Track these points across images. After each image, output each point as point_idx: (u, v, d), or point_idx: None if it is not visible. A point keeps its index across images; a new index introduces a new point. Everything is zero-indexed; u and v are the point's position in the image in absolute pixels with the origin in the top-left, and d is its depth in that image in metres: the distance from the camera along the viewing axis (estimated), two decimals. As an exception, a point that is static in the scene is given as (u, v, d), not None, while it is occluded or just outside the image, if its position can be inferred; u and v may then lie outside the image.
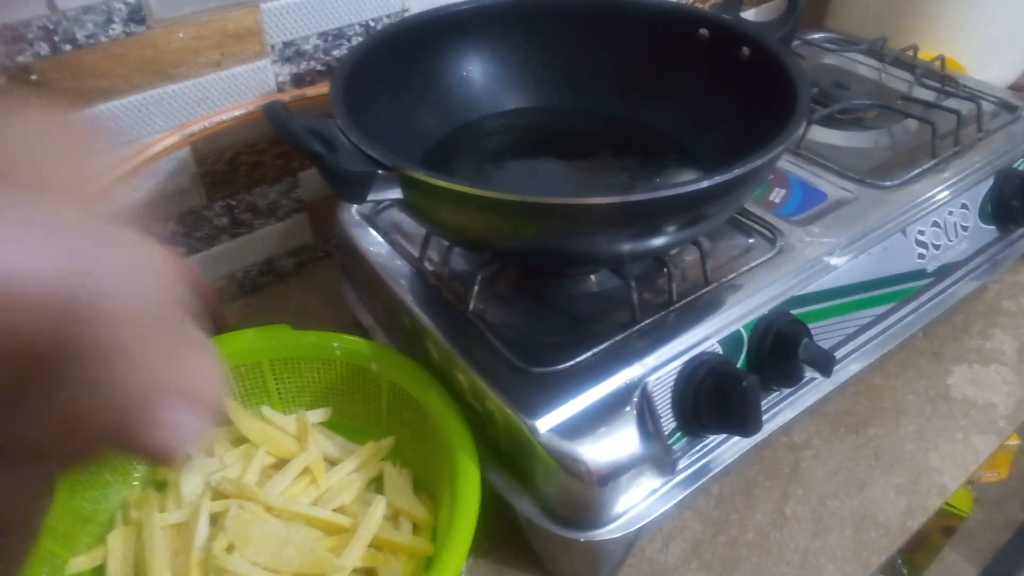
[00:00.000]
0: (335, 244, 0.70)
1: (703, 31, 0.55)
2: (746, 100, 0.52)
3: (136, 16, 0.50)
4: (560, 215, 0.38)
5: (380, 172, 0.39)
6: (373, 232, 0.56)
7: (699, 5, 0.66)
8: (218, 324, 0.61)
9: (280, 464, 0.48)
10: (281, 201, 0.64)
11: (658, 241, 0.42)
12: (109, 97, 0.51)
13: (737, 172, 0.39)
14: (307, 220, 0.67)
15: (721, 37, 0.54)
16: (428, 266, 0.52)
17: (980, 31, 0.79)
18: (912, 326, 0.57)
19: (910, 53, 0.74)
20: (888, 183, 0.58)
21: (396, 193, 0.40)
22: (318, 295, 0.67)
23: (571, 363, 0.44)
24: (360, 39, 0.60)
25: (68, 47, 0.48)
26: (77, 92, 0.50)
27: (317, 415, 0.52)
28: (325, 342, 0.51)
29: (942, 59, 0.72)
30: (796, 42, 0.79)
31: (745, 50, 0.53)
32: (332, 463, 0.48)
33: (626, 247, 0.42)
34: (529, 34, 0.59)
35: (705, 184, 0.38)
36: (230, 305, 0.66)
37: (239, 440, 0.50)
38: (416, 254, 0.53)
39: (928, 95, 0.70)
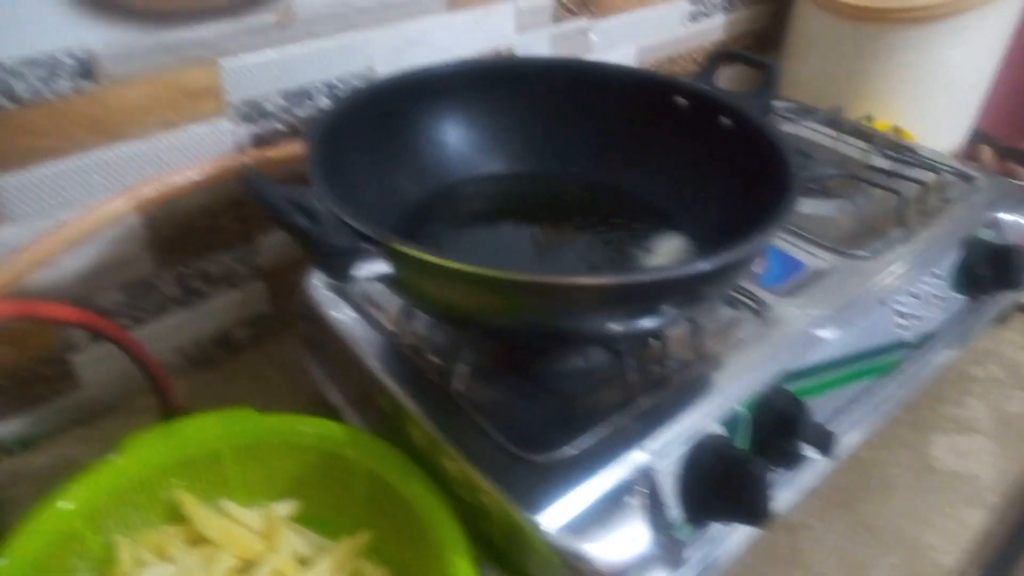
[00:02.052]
0: (296, 313, 0.65)
1: (681, 99, 0.55)
2: (731, 170, 0.51)
3: (85, 71, 0.45)
4: (557, 294, 0.36)
5: (366, 246, 0.36)
6: (342, 302, 0.52)
7: (676, 74, 0.66)
8: (167, 403, 0.55)
9: (246, 567, 0.42)
10: (237, 268, 0.60)
11: (657, 320, 0.40)
12: (50, 158, 0.46)
13: (742, 250, 0.37)
14: (265, 288, 0.63)
15: (699, 106, 0.54)
16: (407, 340, 0.48)
17: (927, 101, 0.83)
18: (898, 398, 0.57)
19: (865, 123, 0.75)
20: (863, 253, 0.58)
21: (382, 268, 0.37)
22: (277, 370, 0.62)
23: (571, 449, 0.41)
24: (324, 98, 0.57)
25: (6, 103, 0.43)
26: (12, 151, 0.45)
27: (285, 508, 0.47)
28: (293, 426, 0.46)
29: (897, 130, 0.74)
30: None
31: (725, 119, 0.52)
32: (304, 563, 0.43)
33: (624, 326, 0.40)
34: (504, 98, 0.57)
35: (709, 265, 0.36)
36: (178, 382, 0.60)
37: (198, 540, 0.44)
38: (391, 327, 0.49)
39: (887, 164, 0.72)
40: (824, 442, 0.45)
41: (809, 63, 0.90)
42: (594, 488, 0.39)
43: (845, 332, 0.52)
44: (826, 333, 0.51)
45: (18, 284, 0.47)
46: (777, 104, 0.83)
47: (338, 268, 0.35)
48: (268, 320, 0.64)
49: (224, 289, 0.60)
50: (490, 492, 0.39)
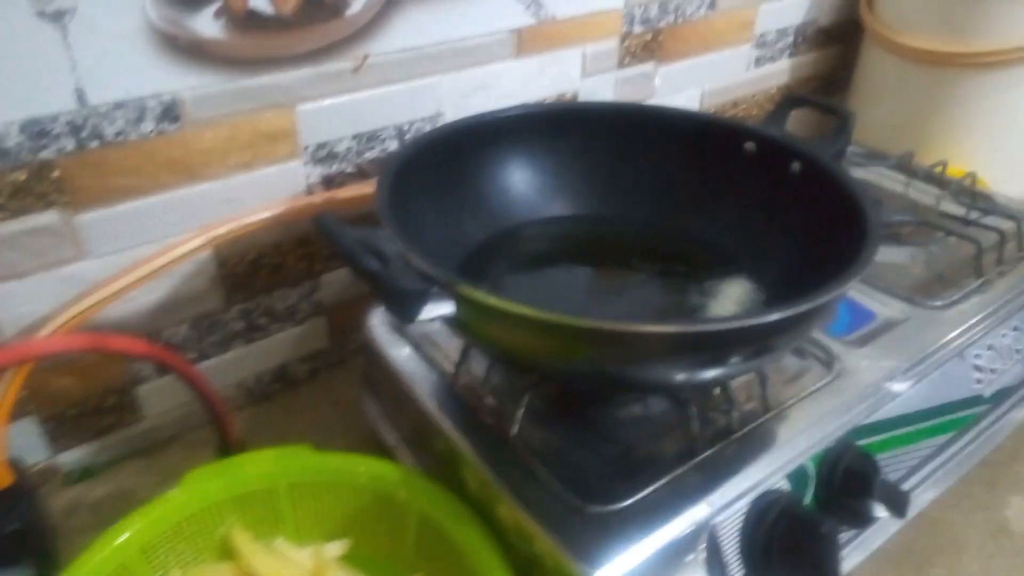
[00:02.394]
0: (352, 350, 0.66)
1: (750, 144, 0.54)
2: (801, 217, 0.50)
3: (170, 115, 0.48)
4: (626, 342, 0.35)
5: (433, 289, 0.36)
6: (402, 341, 0.52)
7: (741, 118, 0.65)
8: (225, 437, 0.56)
9: (296, 607, 0.42)
10: (300, 304, 0.61)
11: (723, 371, 0.39)
12: (133, 196, 0.48)
13: (816, 301, 0.36)
14: (325, 324, 0.64)
15: (769, 151, 0.53)
16: (464, 382, 0.48)
17: (1003, 147, 0.80)
18: (972, 455, 0.54)
19: (939, 169, 0.73)
20: (938, 303, 0.56)
21: (448, 309, 0.37)
22: (332, 406, 0.63)
23: (630, 501, 0.40)
24: (394, 141, 0.59)
25: (95, 143, 0.46)
26: (99, 190, 0.47)
27: (336, 548, 0.46)
28: (348, 466, 0.46)
29: (973, 176, 0.72)
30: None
31: (796, 165, 0.51)
32: (353, 606, 0.43)
33: (689, 375, 0.39)
34: (568, 142, 0.58)
35: (781, 315, 0.35)
36: (237, 415, 0.61)
37: (248, 576, 0.45)
38: (450, 368, 0.49)
39: (962, 212, 0.69)
40: (898, 503, 0.43)
41: (878, 107, 0.88)
42: (653, 543, 0.38)
43: (919, 386, 0.50)
44: (898, 386, 0.49)
45: (91, 318, 0.49)
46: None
47: (406, 310, 0.36)
48: (326, 355, 0.65)
49: (286, 325, 0.61)
50: (544, 542, 0.38)
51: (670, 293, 0.52)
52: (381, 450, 0.53)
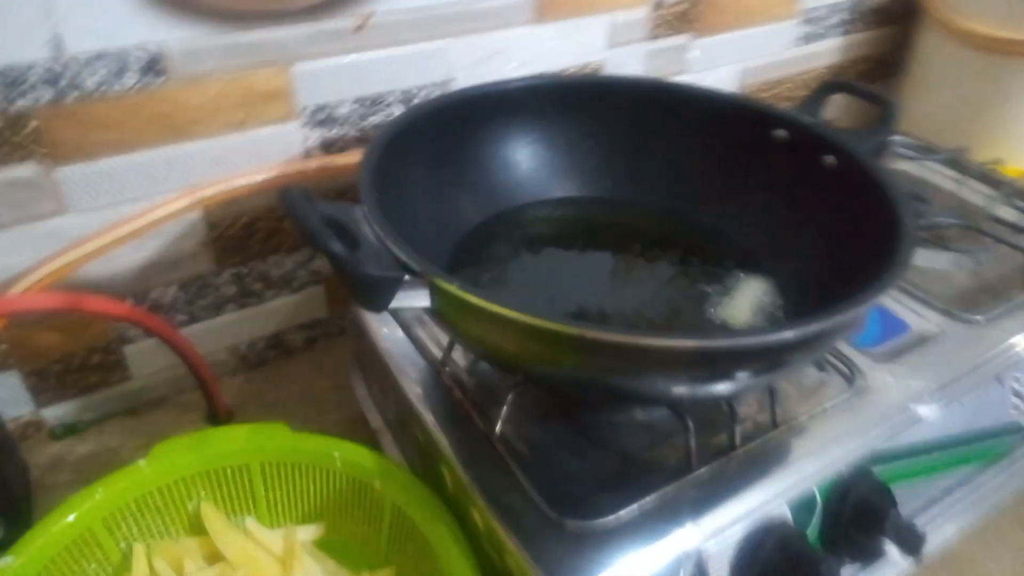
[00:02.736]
0: (351, 320, 0.64)
1: (780, 132, 0.49)
2: (831, 214, 0.45)
3: (155, 67, 0.45)
4: (617, 353, 0.32)
5: (407, 278, 0.33)
6: (392, 321, 0.49)
7: (776, 102, 0.60)
8: (212, 402, 0.55)
9: (257, 594, 0.40)
10: (297, 272, 0.58)
11: (730, 386, 0.35)
12: (115, 152, 0.46)
13: (837, 318, 0.32)
14: (323, 293, 0.61)
15: (801, 141, 0.48)
16: (451, 371, 0.45)
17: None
18: (1002, 489, 0.49)
19: (993, 167, 0.67)
20: (978, 318, 0.51)
21: (424, 301, 0.34)
22: (327, 377, 0.61)
23: (612, 517, 0.37)
24: (400, 106, 0.55)
25: (74, 94, 0.43)
26: (79, 143, 0.44)
27: (308, 532, 0.44)
28: (325, 449, 0.44)
29: (1032, 178, 0.66)
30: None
31: (830, 159, 0.47)
32: (317, 596, 0.41)
33: (691, 389, 0.35)
34: (584, 118, 0.53)
35: (796, 333, 0.31)
36: (229, 380, 0.59)
37: (214, 556, 0.43)
38: (439, 354, 0.46)
39: (1015, 217, 0.63)
40: (912, 543, 0.39)
41: (933, 96, 0.81)
42: (635, 567, 0.35)
43: (950, 410, 0.45)
44: (927, 410, 0.45)
45: (72, 274, 0.47)
46: (895, 139, 0.76)
47: (373, 299, 0.33)
48: (323, 325, 0.63)
49: (282, 292, 0.58)
50: (515, 555, 0.35)
51: (682, 288, 0.48)
52: (367, 434, 0.51)
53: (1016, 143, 0.76)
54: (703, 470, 0.39)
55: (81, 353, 0.52)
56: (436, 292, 0.33)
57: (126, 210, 0.48)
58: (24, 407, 0.52)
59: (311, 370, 0.62)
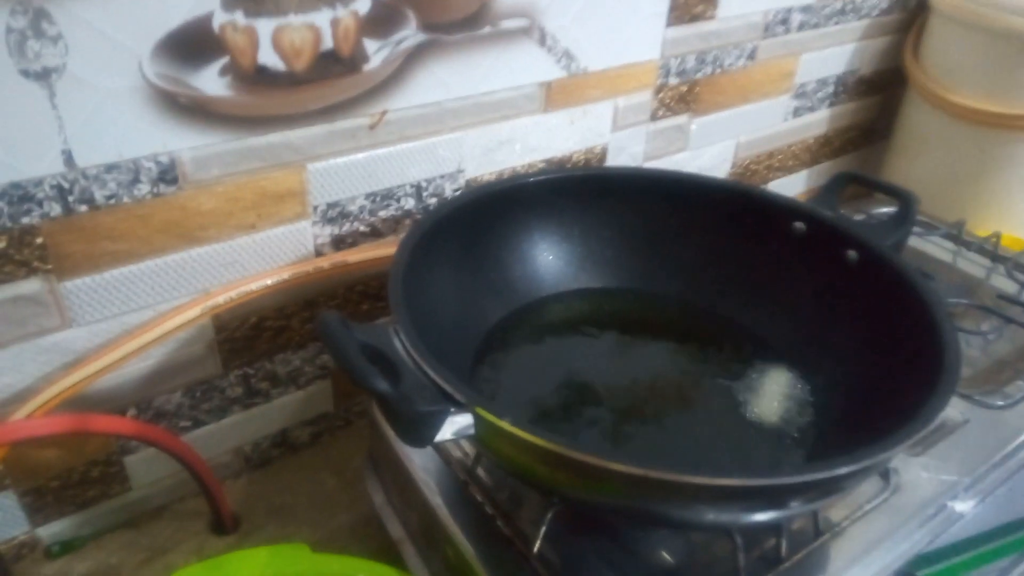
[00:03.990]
0: (359, 412, 0.62)
1: (799, 225, 0.50)
2: (858, 311, 0.45)
3: (167, 176, 0.43)
4: (668, 489, 0.30)
5: (453, 410, 0.32)
6: (412, 425, 0.48)
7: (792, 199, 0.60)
8: (217, 509, 0.52)
9: None
10: (304, 368, 0.56)
11: (782, 514, 0.34)
12: (124, 261, 0.44)
13: (890, 449, 0.32)
14: (330, 387, 0.59)
15: (821, 235, 0.48)
16: (480, 480, 0.43)
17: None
18: (1037, 577, 0.49)
19: (994, 241, 0.68)
20: (1000, 402, 0.51)
21: (468, 431, 0.33)
22: (335, 474, 0.59)
23: (664, 647, 0.35)
24: (410, 199, 0.54)
25: (84, 208, 0.41)
26: (86, 256, 0.43)
27: (332, 662, 0.42)
28: (350, 571, 0.42)
29: (1030, 251, 0.67)
30: (861, 216, 0.75)
31: (852, 253, 0.47)
32: None
33: (741, 519, 0.34)
34: (598, 210, 0.53)
35: (853, 467, 0.30)
36: (232, 483, 0.57)
37: None
38: (465, 459, 0.44)
39: (1016, 289, 0.64)
40: (966, 653, 0.38)
41: (919, 163, 0.83)
42: None
43: (984, 504, 0.45)
44: (963, 506, 0.44)
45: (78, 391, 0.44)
46: (884, 211, 0.77)
47: (420, 435, 0.31)
48: (329, 419, 0.61)
49: (288, 389, 0.56)
50: None
51: (707, 383, 0.48)
52: (386, 538, 0.49)
53: (1005, 211, 0.77)
54: (751, 586, 0.38)
55: (80, 468, 0.49)
56: (481, 423, 0.32)
57: (133, 319, 0.46)
58: (18, 527, 0.49)
59: (318, 467, 0.59)
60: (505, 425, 0.30)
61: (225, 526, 0.53)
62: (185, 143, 0.43)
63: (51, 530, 0.50)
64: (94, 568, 0.50)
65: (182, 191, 0.44)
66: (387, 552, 0.48)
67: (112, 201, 0.42)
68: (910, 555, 0.41)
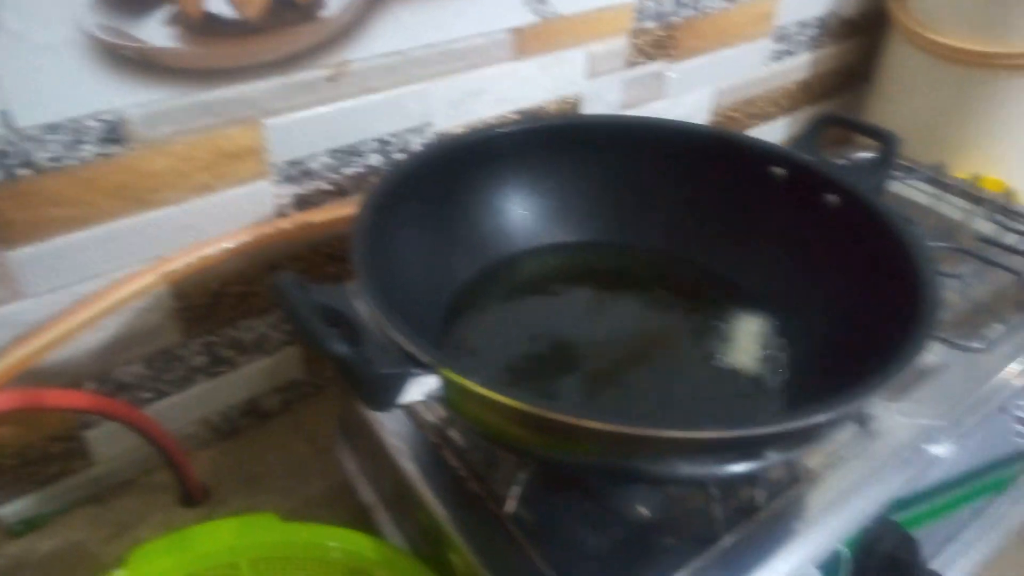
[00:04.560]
0: (330, 377, 0.61)
1: (778, 169, 0.48)
2: (837, 257, 0.44)
3: (114, 136, 0.41)
4: (642, 444, 0.29)
5: (417, 371, 0.30)
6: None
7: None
8: (185, 482, 0.51)
9: None
10: (271, 334, 0.55)
11: (758, 465, 0.33)
12: (72, 228, 0.42)
13: (865, 394, 0.31)
14: (299, 353, 0.58)
15: (800, 179, 0.47)
16: (452, 443, 0.42)
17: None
18: (1010, 517, 0.49)
19: (974, 183, 0.67)
20: (977, 345, 0.51)
21: (434, 392, 0.32)
22: (307, 441, 0.57)
23: (642, 603, 0.35)
24: (376, 155, 0.52)
25: (25, 172, 0.39)
26: (32, 223, 0.40)
27: (306, 629, 0.41)
28: (321, 539, 0.41)
29: (1009, 193, 0.66)
30: (842, 161, 0.73)
31: (832, 198, 0.45)
32: None
33: (716, 472, 0.33)
34: (572, 160, 0.51)
35: (829, 415, 0.30)
36: (201, 454, 0.55)
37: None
38: (438, 424, 0.43)
39: (994, 230, 0.63)
40: (943, 595, 0.38)
41: (902, 106, 0.82)
42: (673, 662, 0.33)
43: (961, 446, 0.45)
44: (940, 449, 0.44)
45: (32, 365, 0.43)
46: (866, 156, 0.76)
47: (382, 399, 0.30)
48: (301, 385, 0.59)
49: (255, 356, 0.55)
50: (548, 656, 0.33)
51: (684, 334, 0.47)
52: (358, 507, 0.48)
53: (986, 152, 0.76)
54: (729, 538, 0.38)
55: (39, 444, 0.47)
56: (448, 384, 0.31)
57: (86, 288, 0.44)
58: (-22, 507, 0.48)
59: (290, 435, 0.58)
60: (471, 385, 0.29)
61: (194, 498, 0.52)
62: (131, 100, 0.41)
63: (13, 508, 0.49)
64: (60, 545, 0.49)
65: (131, 151, 0.42)
66: (361, 519, 0.47)
67: (55, 164, 0.40)
68: (886, 499, 0.41)
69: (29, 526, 0.49)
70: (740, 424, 0.29)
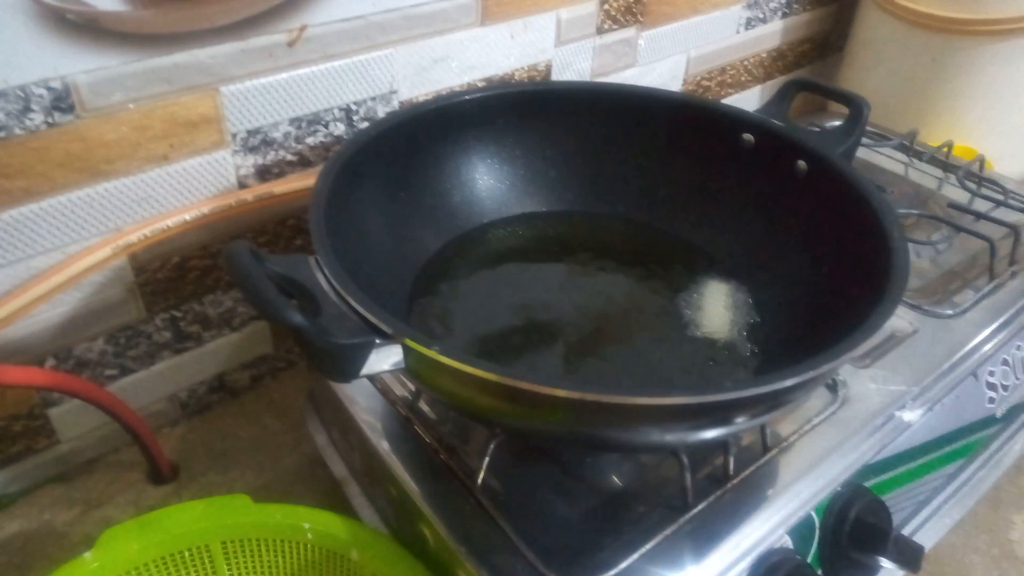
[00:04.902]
0: (299, 352, 0.60)
1: (747, 136, 0.48)
2: (808, 226, 0.44)
3: (62, 104, 0.39)
4: (615, 412, 0.29)
5: (378, 341, 0.30)
6: (352, 362, 0.46)
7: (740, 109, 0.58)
8: (154, 462, 0.50)
9: None
10: (237, 309, 0.54)
11: (728, 431, 0.33)
12: (22, 201, 0.40)
13: (836, 359, 0.30)
14: (268, 328, 0.56)
15: (770, 146, 0.46)
16: (422, 416, 0.42)
17: (1007, 119, 0.74)
18: (983, 481, 0.49)
19: (945, 151, 0.67)
20: (949, 312, 0.51)
21: (397, 364, 0.31)
22: (278, 417, 0.57)
23: (614, 572, 0.34)
24: (340, 124, 0.51)
25: (-32, 141, 0.37)
26: (-21, 195, 0.39)
27: (278, 608, 0.41)
28: (294, 520, 0.40)
29: (981, 160, 0.66)
30: (813, 128, 0.73)
31: (801, 164, 0.45)
32: None
33: (686, 438, 0.33)
34: (540, 128, 0.50)
35: (797, 379, 0.29)
36: (170, 431, 0.55)
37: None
38: (406, 397, 0.43)
39: (967, 199, 0.64)
40: (912, 558, 0.38)
41: (875, 75, 0.81)
42: (643, 629, 0.32)
43: (933, 412, 0.45)
44: (911, 415, 0.44)
45: (-16, 342, 0.41)
46: (836, 124, 0.75)
47: (344, 370, 0.29)
48: (269, 361, 0.58)
49: (222, 332, 0.54)
50: (517, 627, 0.33)
51: (656, 304, 0.46)
52: (330, 482, 0.47)
53: (957, 120, 0.76)
54: (700, 507, 0.37)
55: (0, 422, 0.46)
56: (411, 354, 0.30)
57: (41, 263, 0.43)
58: (-62, 487, 0.46)
59: (260, 411, 0.57)
60: (433, 354, 0.28)
61: (162, 475, 0.51)
62: (79, 66, 0.39)
63: (-24, 488, 0.48)
64: (26, 525, 0.48)
65: (81, 120, 0.40)
66: (332, 494, 0.47)
67: (2, 134, 0.38)
68: (858, 466, 0.41)
69: (-7, 507, 0.48)
70: (708, 389, 0.29)
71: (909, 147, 0.68)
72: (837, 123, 0.71)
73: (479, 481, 0.38)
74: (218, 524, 0.40)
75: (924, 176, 0.68)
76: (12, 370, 0.40)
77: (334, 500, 0.46)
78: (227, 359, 0.56)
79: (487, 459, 0.37)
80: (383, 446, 0.41)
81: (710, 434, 0.32)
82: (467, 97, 0.47)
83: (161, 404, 0.54)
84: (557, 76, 0.62)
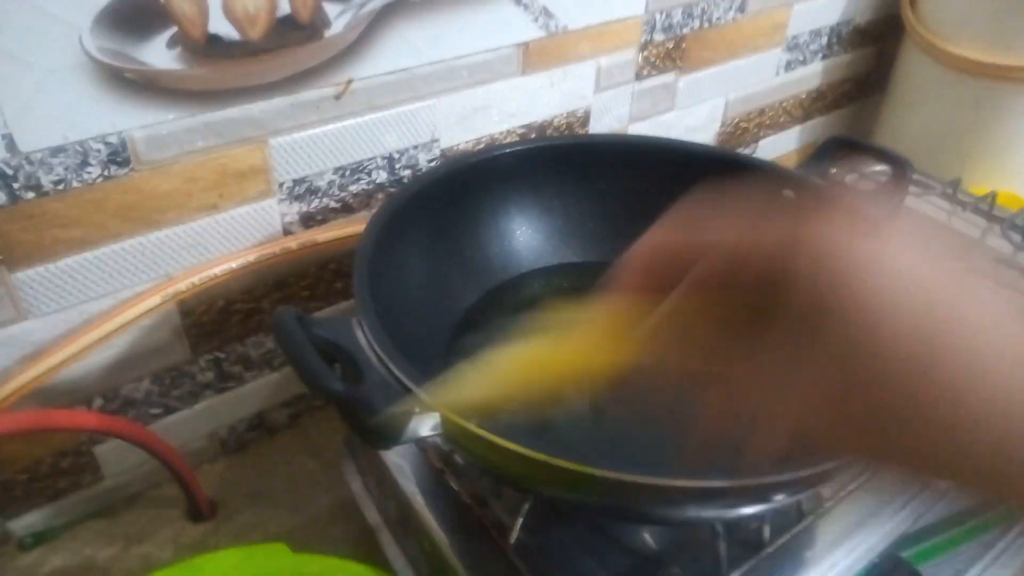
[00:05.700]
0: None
1: (788, 192, 0.47)
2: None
3: (118, 158, 0.41)
4: (649, 491, 0.29)
5: (418, 411, 0.30)
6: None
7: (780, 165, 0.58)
8: (193, 500, 0.51)
9: None
10: (278, 350, 0.55)
11: (766, 508, 0.33)
12: (77, 250, 0.42)
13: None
14: (306, 367, 0.57)
15: (810, 202, 0.46)
16: (456, 472, 0.42)
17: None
18: (1018, 552, 0.48)
19: (989, 200, 0.66)
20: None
21: (436, 427, 0.31)
22: (314, 456, 0.57)
23: (646, 642, 0.34)
24: (382, 172, 0.52)
25: (31, 195, 0.39)
26: (37, 245, 0.40)
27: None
28: (330, 573, 0.41)
29: (1026, 211, 0.65)
30: (852, 175, 0.72)
31: (842, 223, 0.45)
32: None
33: (723, 515, 0.33)
34: (580, 181, 0.51)
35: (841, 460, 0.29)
36: (209, 468, 0.56)
37: None
38: (443, 450, 0.43)
39: (1011, 250, 0.62)
40: (951, 635, 0.37)
41: (914, 116, 0.81)
42: None
43: (972, 479, 0.44)
44: (947, 482, 0.43)
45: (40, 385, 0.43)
46: (879, 168, 0.74)
47: (385, 438, 0.30)
48: (307, 399, 0.59)
49: (263, 372, 0.55)
50: None
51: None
52: (366, 525, 0.48)
53: (1002, 166, 0.75)
54: (735, 574, 0.37)
55: (49, 459, 0.48)
56: (448, 424, 0.30)
57: (92, 308, 0.44)
58: (-13, 521, 0.48)
59: (297, 449, 0.58)
60: (472, 427, 0.29)
61: (201, 513, 0.52)
62: (135, 122, 0.41)
63: (23, 522, 0.49)
64: (69, 559, 0.50)
65: (136, 173, 0.42)
66: (366, 539, 0.47)
67: (61, 186, 0.40)
68: (896, 535, 0.40)
69: (39, 540, 0.50)
70: (748, 473, 0.29)
71: (952, 196, 0.67)
72: (879, 168, 0.71)
73: (512, 540, 0.38)
74: (256, 573, 0.40)
75: (968, 225, 0.67)
76: (59, 414, 0.42)
77: (369, 546, 0.46)
78: (267, 398, 0.57)
79: (521, 519, 0.38)
80: (417, 499, 0.41)
81: (748, 510, 0.32)
82: (508, 150, 0.48)
83: (202, 441, 0.55)
84: (595, 121, 0.63)
